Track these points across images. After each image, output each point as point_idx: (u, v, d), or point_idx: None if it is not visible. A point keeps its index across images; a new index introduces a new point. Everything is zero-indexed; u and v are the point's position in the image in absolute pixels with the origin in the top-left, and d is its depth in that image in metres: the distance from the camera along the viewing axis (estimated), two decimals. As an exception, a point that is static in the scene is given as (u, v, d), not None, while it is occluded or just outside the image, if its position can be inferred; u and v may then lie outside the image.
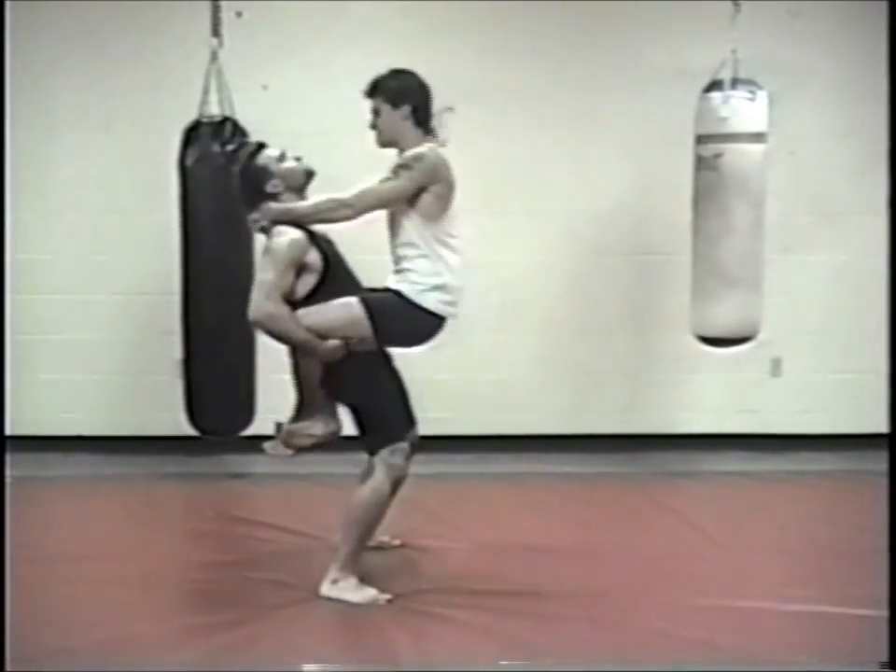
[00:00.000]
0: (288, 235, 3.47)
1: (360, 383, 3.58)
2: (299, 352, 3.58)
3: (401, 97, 3.56)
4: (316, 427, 3.63)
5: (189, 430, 4.87)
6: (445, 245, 3.53)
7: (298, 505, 4.53)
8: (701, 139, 4.71)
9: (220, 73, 4.62)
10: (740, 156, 4.61)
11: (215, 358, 4.63)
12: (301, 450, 3.68)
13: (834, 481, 5.05)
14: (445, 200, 3.53)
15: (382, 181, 3.49)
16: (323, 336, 3.45)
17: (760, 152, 4.64)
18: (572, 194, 5.58)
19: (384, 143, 3.62)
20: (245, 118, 4.69)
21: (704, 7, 5.11)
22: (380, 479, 3.56)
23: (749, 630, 3.34)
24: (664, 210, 5.39)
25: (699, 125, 4.72)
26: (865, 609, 3.36)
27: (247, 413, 4.75)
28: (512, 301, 5.60)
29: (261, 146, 3.68)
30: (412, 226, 3.51)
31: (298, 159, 3.65)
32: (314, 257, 3.49)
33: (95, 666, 3.04)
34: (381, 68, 5.36)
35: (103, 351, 5.53)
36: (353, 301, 3.48)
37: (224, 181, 4.63)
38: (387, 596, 3.52)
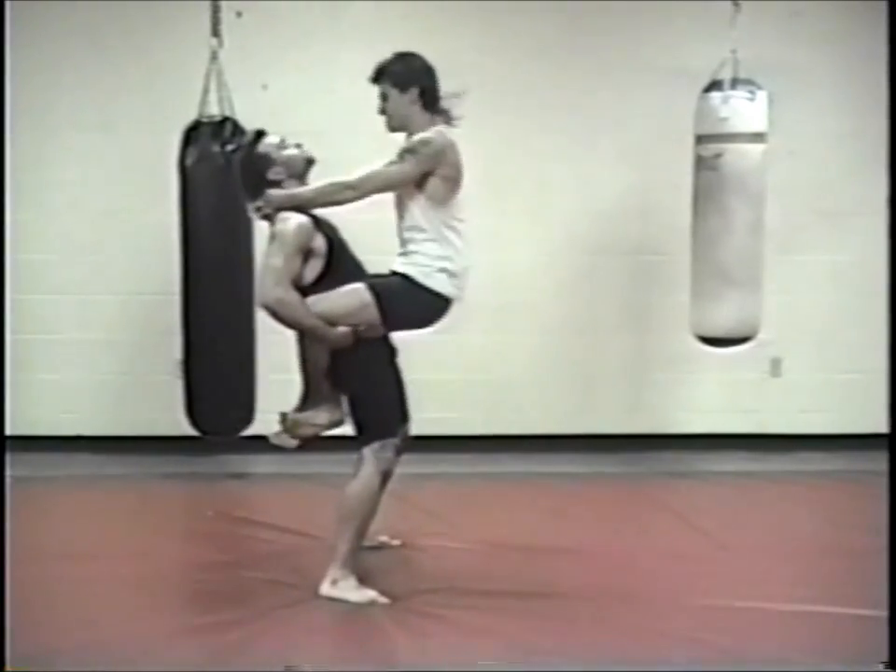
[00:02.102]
0: (294, 220, 3.47)
1: (362, 373, 3.59)
2: (307, 339, 3.58)
3: (408, 81, 3.56)
4: (321, 417, 3.64)
5: (189, 430, 4.87)
6: (451, 228, 3.54)
7: (298, 505, 4.53)
8: (701, 139, 4.71)
9: (220, 73, 4.62)
10: (740, 156, 4.61)
11: (215, 358, 4.63)
12: (305, 440, 3.67)
13: (834, 481, 5.05)
14: (453, 183, 3.53)
15: (387, 164, 3.49)
16: (332, 323, 3.46)
17: (759, 152, 4.64)
18: (572, 194, 5.59)
19: (393, 128, 3.63)
20: (244, 118, 4.68)
21: (704, 6, 5.11)
22: (369, 473, 3.56)
23: (749, 630, 3.34)
24: (664, 210, 5.40)
25: (699, 125, 4.72)
26: (865, 609, 3.36)
27: (247, 413, 4.74)
28: (512, 300, 5.60)
29: (261, 133, 3.68)
30: (418, 209, 3.52)
31: (298, 146, 3.66)
32: (319, 242, 3.50)
33: (95, 666, 3.04)
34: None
35: (103, 351, 5.53)
36: (360, 286, 3.48)
37: (224, 181, 4.65)
38: (386, 600, 3.51)
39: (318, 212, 3.58)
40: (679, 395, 5.73)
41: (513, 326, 5.61)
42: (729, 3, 4.65)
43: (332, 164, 5.48)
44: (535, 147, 5.52)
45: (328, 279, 3.49)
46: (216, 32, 4.64)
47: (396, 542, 4.08)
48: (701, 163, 4.70)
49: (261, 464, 5.20)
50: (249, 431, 4.81)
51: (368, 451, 3.57)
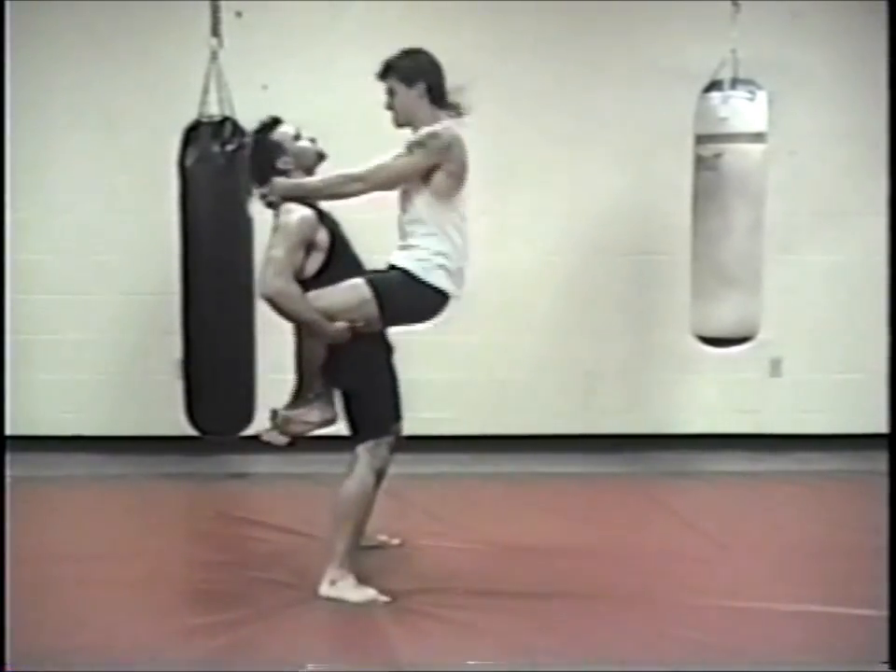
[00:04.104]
0: (299, 213, 3.48)
1: (359, 369, 3.58)
2: (304, 333, 3.58)
3: (415, 76, 3.57)
4: (312, 414, 3.61)
5: (189, 430, 4.87)
6: (453, 224, 3.54)
7: (298, 505, 4.54)
8: (701, 139, 4.71)
9: (220, 73, 4.61)
10: (740, 156, 4.61)
11: (214, 358, 4.63)
12: (296, 437, 3.65)
13: (834, 481, 5.05)
14: (457, 179, 3.53)
15: (395, 157, 3.49)
16: (331, 318, 3.45)
17: (759, 152, 4.64)
18: (572, 194, 5.59)
19: (400, 123, 3.62)
20: (244, 118, 4.68)
21: (704, 6, 5.11)
22: (364, 471, 3.55)
23: (749, 630, 3.34)
24: (664, 210, 5.39)
25: (699, 125, 4.72)
26: (865, 609, 3.36)
27: (247, 412, 4.74)
28: (512, 301, 5.59)
29: (276, 121, 3.67)
30: (422, 203, 3.51)
31: (312, 140, 3.67)
32: (322, 236, 3.51)
33: (95, 667, 3.04)
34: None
35: (103, 351, 5.53)
36: (360, 282, 3.49)
37: (224, 181, 4.65)
38: (385, 598, 3.52)
39: (322, 206, 3.59)
40: (679, 395, 5.73)
41: (513, 326, 5.61)
42: (729, 3, 4.65)
43: (333, 164, 5.51)
44: (535, 146, 5.52)
45: (328, 273, 3.50)
46: (216, 32, 4.63)
47: (395, 542, 4.08)
48: (701, 163, 4.70)
49: (261, 464, 5.20)
50: (249, 431, 4.81)
51: (362, 449, 3.57)
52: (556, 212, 5.60)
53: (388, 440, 3.62)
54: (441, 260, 3.51)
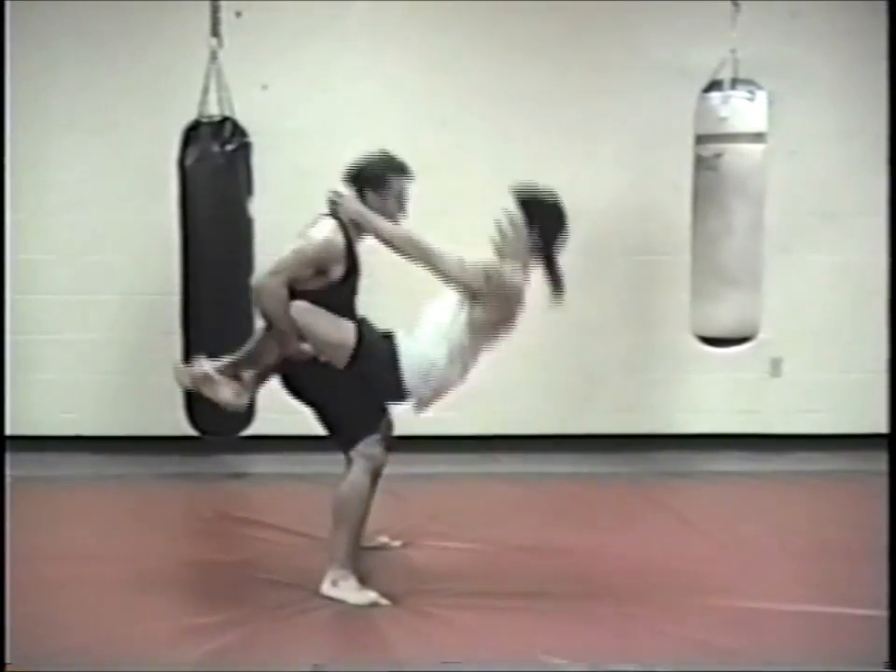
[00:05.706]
0: (327, 235, 3.48)
1: (317, 383, 3.56)
2: (271, 332, 3.57)
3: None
4: (225, 392, 3.61)
5: (189, 430, 4.87)
6: (465, 353, 3.54)
7: (298, 505, 4.53)
8: (701, 139, 4.71)
9: (220, 73, 4.62)
10: (740, 156, 4.62)
11: (215, 359, 4.62)
12: (197, 393, 3.66)
13: (834, 481, 5.06)
14: (497, 326, 3.58)
15: (461, 261, 3.48)
16: (302, 337, 3.47)
17: (759, 152, 4.65)
18: (572, 194, 5.53)
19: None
20: (244, 118, 4.69)
21: (704, 7, 5.11)
22: (357, 472, 3.55)
23: (749, 630, 3.34)
24: (664, 210, 5.39)
25: (699, 125, 4.72)
26: (865, 609, 3.36)
27: (247, 412, 4.73)
28: (512, 300, 5.59)
29: (406, 170, 3.67)
30: (457, 318, 3.51)
31: (403, 209, 3.65)
32: (338, 270, 3.50)
33: (95, 667, 3.04)
34: (380, 69, 5.44)
35: (103, 351, 5.52)
36: (350, 327, 3.49)
37: (224, 181, 4.66)
38: (386, 601, 3.51)
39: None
40: (679, 395, 5.73)
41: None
42: (729, 3, 4.65)
43: (332, 165, 5.51)
44: (534, 146, 5.51)
45: (322, 297, 3.49)
46: (216, 32, 4.64)
47: (396, 543, 4.08)
48: (701, 163, 4.71)
49: (261, 464, 5.20)
50: (249, 431, 4.81)
51: (355, 453, 3.57)
52: (556, 212, 5.59)
53: (376, 437, 3.59)
54: (434, 371, 3.49)
